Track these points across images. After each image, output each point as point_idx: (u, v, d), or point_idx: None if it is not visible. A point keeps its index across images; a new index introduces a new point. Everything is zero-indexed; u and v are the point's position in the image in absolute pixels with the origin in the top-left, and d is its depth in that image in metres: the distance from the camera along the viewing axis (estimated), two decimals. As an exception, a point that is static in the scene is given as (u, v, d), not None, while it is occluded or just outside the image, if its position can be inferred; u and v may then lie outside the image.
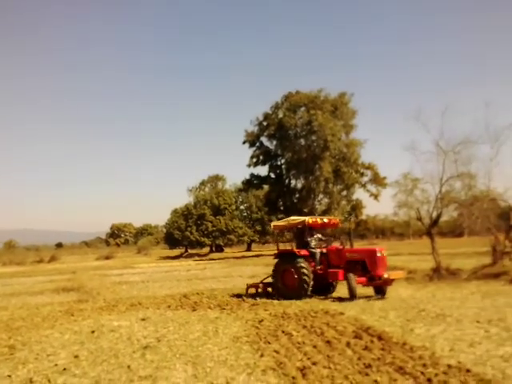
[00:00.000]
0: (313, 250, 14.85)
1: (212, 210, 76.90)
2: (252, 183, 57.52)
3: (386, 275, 13.27)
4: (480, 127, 18.83)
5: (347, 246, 14.77)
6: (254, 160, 55.56)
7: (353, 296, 13.25)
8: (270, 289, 15.47)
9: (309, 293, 14.14)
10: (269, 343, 8.20)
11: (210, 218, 76.06)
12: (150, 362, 7.43)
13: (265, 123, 54.56)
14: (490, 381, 5.78)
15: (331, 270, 14.28)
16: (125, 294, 17.85)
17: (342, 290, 14.84)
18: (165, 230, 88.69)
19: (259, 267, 31.37)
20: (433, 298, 13.04)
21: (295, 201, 52.78)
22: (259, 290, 15.56)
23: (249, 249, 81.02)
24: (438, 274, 17.76)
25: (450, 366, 6.32)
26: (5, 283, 27.65)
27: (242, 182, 59.37)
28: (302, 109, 51.59)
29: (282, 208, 55.21)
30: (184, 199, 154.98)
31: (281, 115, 53.10)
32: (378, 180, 51.02)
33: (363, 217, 58.70)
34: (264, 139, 55.39)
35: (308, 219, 15.16)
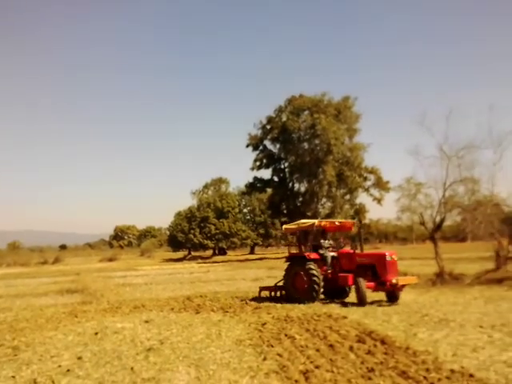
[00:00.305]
0: (324, 254, 14.67)
1: (215, 213, 77.02)
2: (255, 186, 57.58)
3: (394, 280, 12.84)
4: (483, 132, 18.78)
5: (357, 250, 14.43)
6: (258, 163, 55.68)
7: (362, 301, 12.94)
8: (283, 292, 15.27)
9: (319, 297, 13.95)
10: (272, 346, 8.20)
11: (214, 220, 76.17)
12: (153, 364, 7.45)
13: (268, 126, 54.66)
14: (492, 386, 5.78)
15: (341, 275, 14.04)
16: (128, 296, 17.89)
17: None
18: (168, 233, 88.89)
19: (262, 270, 31.37)
20: (436, 303, 13.01)
21: (298, 204, 52.81)
22: (273, 294, 15.41)
23: (252, 252, 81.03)
24: (441, 278, 17.72)
25: (453, 371, 6.31)
26: (9, 284, 27.77)
27: (246, 185, 59.44)
28: (306, 112, 51.66)
29: (285, 211, 55.26)
30: (187, 202, 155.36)
31: (284, 119, 53.18)
32: (381, 184, 51.03)
33: (366, 221, 58.68)
34: (267, 142, 55.55)
35: (319, 222, 14.97)
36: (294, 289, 14.39)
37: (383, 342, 8.10)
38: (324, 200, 52.37)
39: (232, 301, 14.97)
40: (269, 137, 54.69)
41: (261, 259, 51.28)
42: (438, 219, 19.55)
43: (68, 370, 7.28)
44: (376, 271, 13.40)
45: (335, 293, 14.69)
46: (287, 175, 55.09)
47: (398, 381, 6.04)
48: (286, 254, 15.72)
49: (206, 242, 76.06)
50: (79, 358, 7.98)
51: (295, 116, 51.74)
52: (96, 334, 10.15)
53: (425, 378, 6.08)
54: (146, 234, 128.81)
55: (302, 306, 13.19)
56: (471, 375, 6.12)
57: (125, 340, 9.38)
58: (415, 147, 20.17)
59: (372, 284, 13.22)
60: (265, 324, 10.39)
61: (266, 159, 55.45)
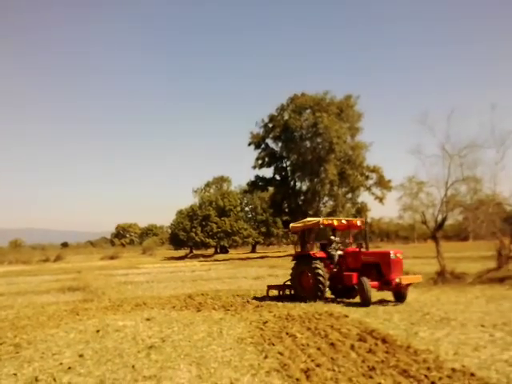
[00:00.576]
0: (331, 252, 14.57)
1: (217, 212, 77.04)
2: (257, 185, 57.59)
3: (397, 280, 12.56)
4: (486, 131, 18.76)
5: (363, 249, 14.13)
6: (260, 162, 55.69)
7: (366, 301, 12.63)
8: (292, 291, 15.15)
9: (325, 295, 13.83)
10: (273, 345, 8.20)
11: (215, 219, 76.20)
12: (154, 362, 7.47)
13: (270, 125, 54.65)
14: (494, 385, 5.78)
15: (346, 273, 13.84)
16: (130, 294, 17.91)
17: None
18: (170, 231, 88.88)
19: (264, 269, 31.41)
20: (437, 302, 13.00)
21: (300, 203, 52.80)
22: (281, 293, 15.35)
23: (253, 250, 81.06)
24: (443, 277, 17.69)
25: (454, 370, 6.31)
26: (11, 282, 27.86)
27: (247, 184, 59.47)
28: (308, 111, 51.64)
29: (286, 210, 55.28)
30: (189, 200, 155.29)
31: (286, 117, 53.17)
32: (382, 183, 51.01)
33: (368, 220, 58.62)
34: (269, 141, 55.55)
35: (324, 220, 14.82)
36: (300, 287, 14.31)
37: (384, 341, 8.09)
38: (326, 199, 52.39)
39: (233, 299, 14.98)
40: (271, 135, 54.69)
41: (262, 258, 51.23)
42: (439, 218, 19.53)
43: (69, 368, 7.29)
44: (380, 270, 13.18)
45: (344, 292, 14.47)
46: (289, 174, 55.11)
47: (399, 379, 6.03)
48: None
49: (207, 240, 76.11)
50: (81, 356, 8.00)
51: (297, 114, 51.71)
52: (97, 331, 10.17)
53: (426, 376, 6.08)
54: (148, 232, 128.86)
55: (303, 304, 13.17)
56: (472, 374, 6.11)
57: (126, 338, 9.40)
58: (417, 146, 20.16)
59: (376, 283, 12.99)
60: (266, 322, 10.40)
61: (268, 158, 55.45)
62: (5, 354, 8.41)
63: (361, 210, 51.33)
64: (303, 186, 53.76)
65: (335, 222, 15.08)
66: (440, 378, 5.99)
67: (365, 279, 12.81)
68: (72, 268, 43.48)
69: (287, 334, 9.08)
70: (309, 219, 15.87)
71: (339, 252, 14.68)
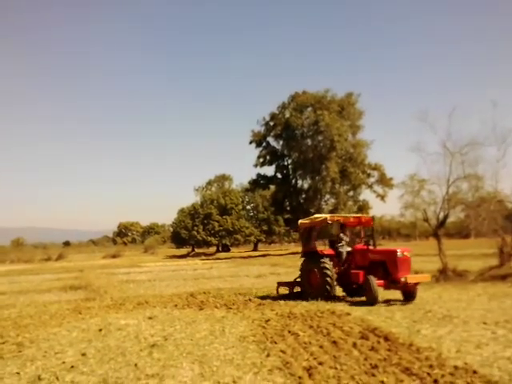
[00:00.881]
0: (339, 249, 14.34)
1: (219, 210, 77.08)
2: (259, 183, 57.61)
3: (403, 279, 12.22)
4: (487, 128, 18.70)
5: (371, 246, 13.88)
6: (261, 160, 55.68)
7: (372, 300, 12.32)
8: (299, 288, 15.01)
9: (333, 293, 13.56)
10: (275, 343, 8.20)
11: (217, 217, 76.26)
12: (156, 360, 7.48)
13: (271, 123, 54.64)
14: (496, 382, 5.77)
15: (353, 271, 13.63)
16: (132, 293, 17.93)
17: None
18: (172, 229, 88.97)
19: (266, 267, 31.41)
20: (439, 300, 12.98)
21: (302, 201, 52.81)
22: (291, 290, 15.14)
23: (255, 248, 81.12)
24: (445, 275, 17.68)
25: (456, 368, 6.31)
26: (13, 281, 27.92)
27: (249, 182, 59.52)
28: (309, 109, 51.63)
29: (288, 208, 55.28)
30: (191, 199, 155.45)
31: (287, 115, 53.16)
32: (384, 181, 51.00)
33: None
34: (271, 139, 55.55)
35: (331, 217, 14.56)
36: (309, 285, 14.13)
37: (387, 339, 8.09)
38: (327, 196, 52.40)
39: (235, 297, 14.98)
40: (272, 133, 54.68)
41: (264, 256, 51.25)
42: (441, 216, 19.51)
43: (72, 367, 7.30)
44: (387, 268, 12.90)
45: (355, 290, 14.06)
46: (290, 172, 55.11)
47: (402, 377, 6.03)
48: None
49: (209, 238, 76.16)
50: (83, 355, 8.01)
51: (298, 112, 51.70)
52: (100, 330, 10.18)
53: (428, 374, 6.07)
54: (150, 230, 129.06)
55: (305, 302, 13.17)
56: (475, 371, 6.11)
57: (129, 336, 9.41)
58: (418, 144, 20.10)
59: (382, 282, 12.70)
60: (268, 320, 10.40)
61: (270, 156, 55.45)
62: (7, 353, 8.42)
63: (362, 208, 51.35)
64: (305, 183, 53.81)
65: (343, 219, 14.85)
66: (442, 376, 5.98)
67: (371, 277, 12.57)
68: (74, 267, 43.56)
69: (289, 332, 9.08)
70: (315, 216, 15.62)
71: (347, 249, 14.43)
